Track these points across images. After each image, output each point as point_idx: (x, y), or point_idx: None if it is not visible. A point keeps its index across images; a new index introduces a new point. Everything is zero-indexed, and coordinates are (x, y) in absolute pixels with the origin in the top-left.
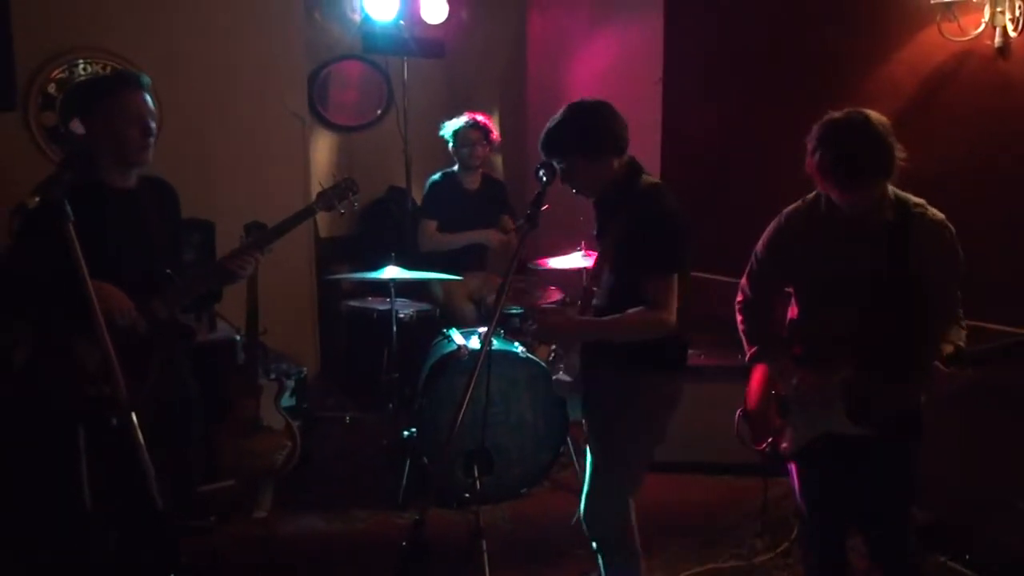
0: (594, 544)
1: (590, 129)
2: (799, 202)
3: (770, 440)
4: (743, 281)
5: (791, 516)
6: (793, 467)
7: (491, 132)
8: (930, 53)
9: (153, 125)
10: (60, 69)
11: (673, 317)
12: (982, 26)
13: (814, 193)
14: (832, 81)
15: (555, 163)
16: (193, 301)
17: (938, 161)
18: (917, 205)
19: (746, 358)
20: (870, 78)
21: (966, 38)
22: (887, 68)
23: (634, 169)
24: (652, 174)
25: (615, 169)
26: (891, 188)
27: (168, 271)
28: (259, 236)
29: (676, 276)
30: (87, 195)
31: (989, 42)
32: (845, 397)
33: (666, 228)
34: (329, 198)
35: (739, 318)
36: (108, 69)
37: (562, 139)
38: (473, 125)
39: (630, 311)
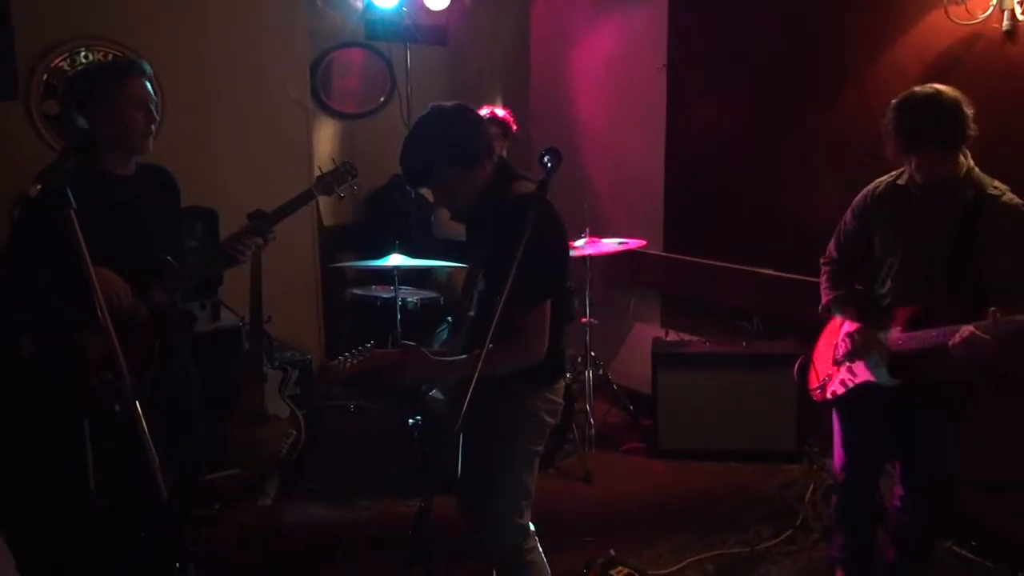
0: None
1: (463, 134)
2: (888, 175)
3: (822, 383)
4: (831, 244)
5: (796, 504)
6: (835, 415)
7: (511, 127)
8: (937, 37)
9: (156, 111)
10: (61, 58)
11: (543, 346)
12: (990, 9)
13: (901, 168)
14: (838, 65)
15: (426, 183)
16: (194, 287)
17: None
18: (995, 187)
19: (820, 308)
20: (877, 63)
21: (974, 21)
22: (894, 52)
23: (506, 174)
24: (529, 174)
25: (489, 174)
26: (976, 171)
27: (168, 257)
28: (259, 221)
29: (547, 303)
30: (87, 182)
31: (997, 25)
32: (889, 351)
33: (535, 257)
34: (328, 182)
35: (822, 273)
36: (109, 57)
37: (433, 150)
38: (492, 120)
39: (493, 348)
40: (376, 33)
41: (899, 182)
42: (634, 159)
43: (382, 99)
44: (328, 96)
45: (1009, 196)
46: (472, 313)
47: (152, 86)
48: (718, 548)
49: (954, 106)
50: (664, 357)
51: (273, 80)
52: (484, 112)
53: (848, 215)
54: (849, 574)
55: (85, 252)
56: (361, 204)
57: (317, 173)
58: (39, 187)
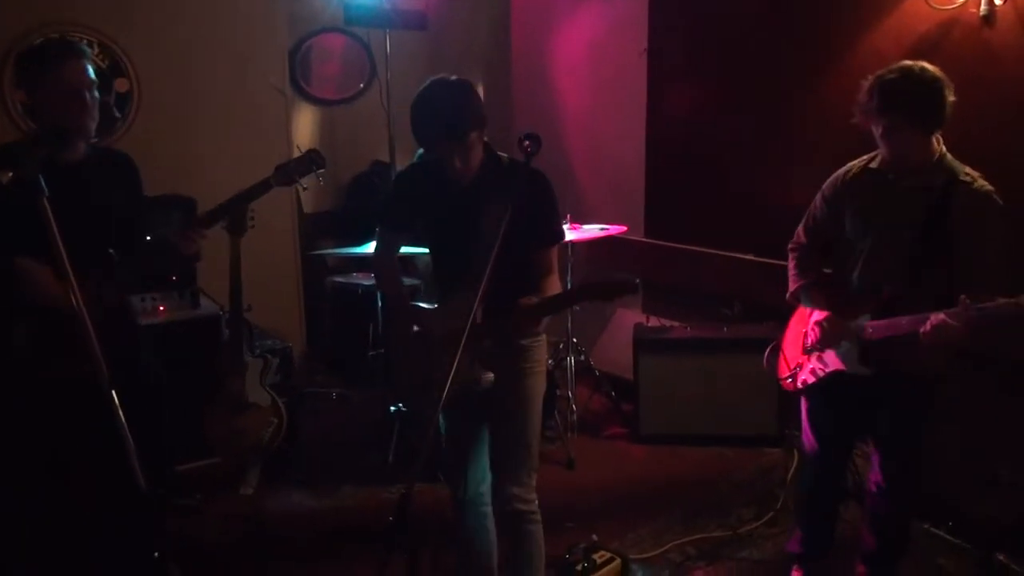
0: None
1: (477, 99)
2: (860, 159)
3: (792, 372)
4: (799, 228)
5: (777, 487)
6: (804, 403)
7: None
8: (916, 22)
9: (92, 95)
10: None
11: None
12: None
13: (875, 152)
14: (817, 50)
15: (461, 138)
16: (144, 279)
17: None
18: (967, 174)
19: (787, 295)
20: (855, 48)
21: (951, 7)
22: (872, 37)
23: (488, 146)
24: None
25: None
26: (948, 157)
27: (109, 251)
28: (208, 212)
29: None
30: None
31: (975, 10)
32: (859, 339)
33: (557, 203)
34: (288, 172)
35: (790, 259)
36: (84, 43)
37: (470, 112)
38: None
39: (554, 281)
40: (355, 18)
41: (871, 166)
42: (615, 144)
43: (362, 85)
44: (307, 82)
45: (980, 183)
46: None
47: (91, 68)
48: (700, 532)
49: (935, 80)
50: (645, 343)
51: (251, 66)
52: None
53: (818, 199)
54: (808, 574)
55: (59, 240)
56: (342, 191)
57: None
58: (11, 175)
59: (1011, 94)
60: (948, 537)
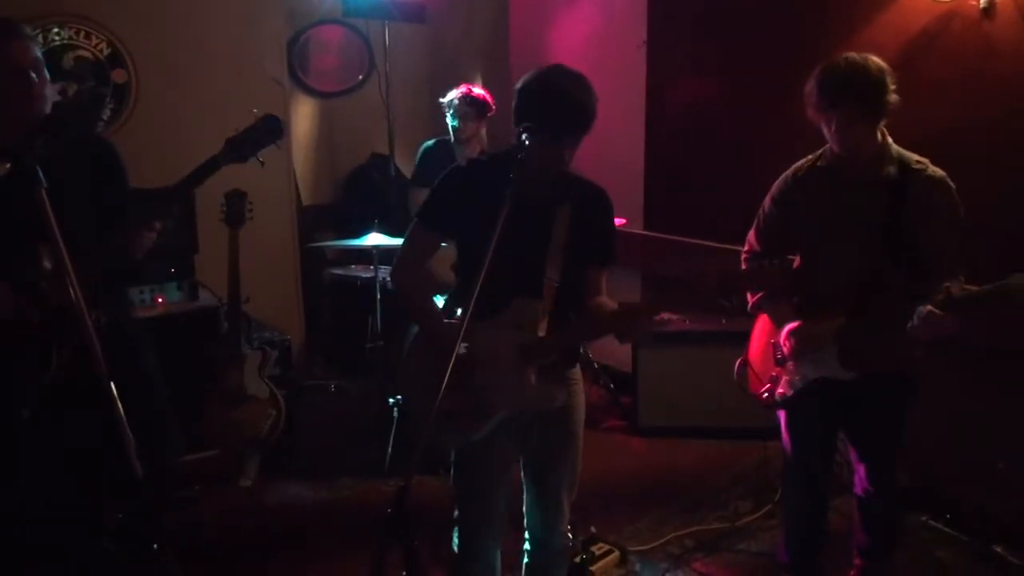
0: None
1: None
2: (806, 158)
3: (767, 387)
4: (751, 234)
5: (775, 480)
6: (783, 414)
7: (487, 107)
8: (914, 15)
9: (34, 75)
10: (33, 34)
11: None
12: None
13: (821, 150)
14: (816, 43)
15: (571, 141)
16: (108, 279)
17: (921, 123)
18: (918, 162)
19: (748, 307)
20: (854, 41)
21: None
22: (871, 30)
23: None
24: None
25: None
26: (895, 147)
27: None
28: (159, 201)
29: None
30: None
31: (975, 3)
32: (837, 343)
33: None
34: (239, 145)
35: (745, 268)
36: (81, 34)
37: (592, 110)
38: (466, 98)
39: (607, 301)
40: (354, 10)
41: (820, 163)
42: (614, 137)
43: (360, 77)
44: (306, 74)
45: (933, 169)
46: (557, 283)
47: (35, 48)
48: (698, 524)
49: (880, 71)
50: (646, 330)
51: (249, 58)
52: (460, 90)
53: (767, 202)
54: None
55: (57, 233)
56: (340, 183)
57: (300, 156)
58: (8, 166)
59: (1011, 87)
60: (946, 529)
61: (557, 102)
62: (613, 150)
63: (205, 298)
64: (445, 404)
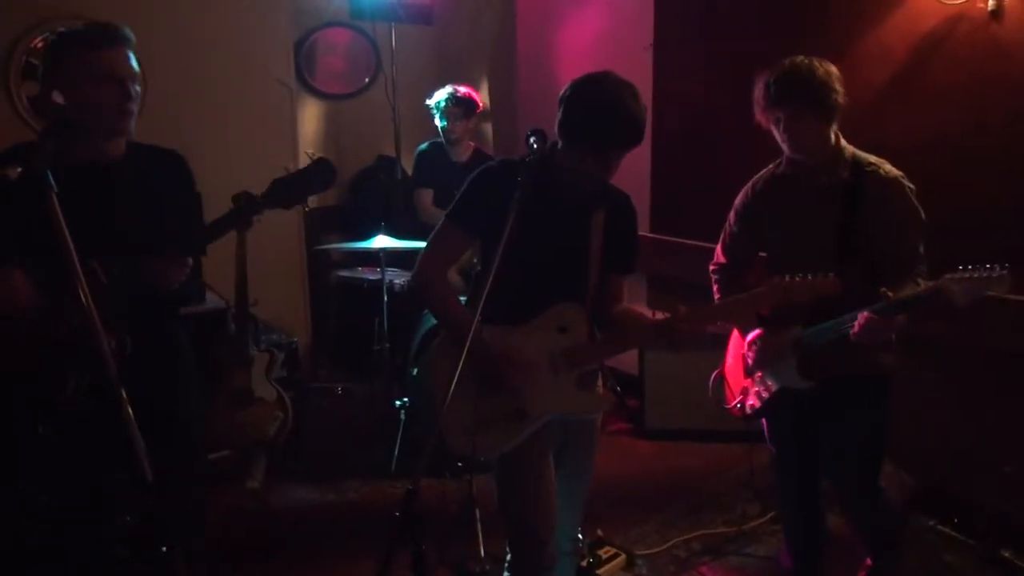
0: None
1: None
2: (765, 169)
3: (739, 399)
4: (717, 248)
5: None
6: (764, 423)
7: (474, 106)
8: (922, 17)
9: (135, 88)
10: (41, 38)
11: None
12: None
13: (778, 159)
14: (822, 45)
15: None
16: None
17: (928, 125)
18: (871, 164)
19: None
20: (862, 43)
21: (959, 1)
22: (879, 32)
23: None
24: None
25: None
26: (849, 148)
27: (95, 266)
28: (185, 241)
29: None
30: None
31: (983, 5)
32: (795, 352)
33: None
34: (287, 188)
35: (712, 283)
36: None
37: (643, 125)
38: (452, 98)
39: (626, 309)
40: (361, 12)
41: (777, 172)
42: None
43: (367, 80)
44: (312, 76)
45: (887, 168)
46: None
47: (134, 58)
48: (705, 527)
49: (824, 71)
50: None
51: (256, 60)
52: (445, 91)
53: (731, 215)
54: None
55: (68, 238)
56: (346, 186)
57: (305, 155)
58: (19, 170)
59: (1019, 90)
60: (953, 533)
61: (613, 115)
62: None
63: (212, 300)
64: (480, 412)
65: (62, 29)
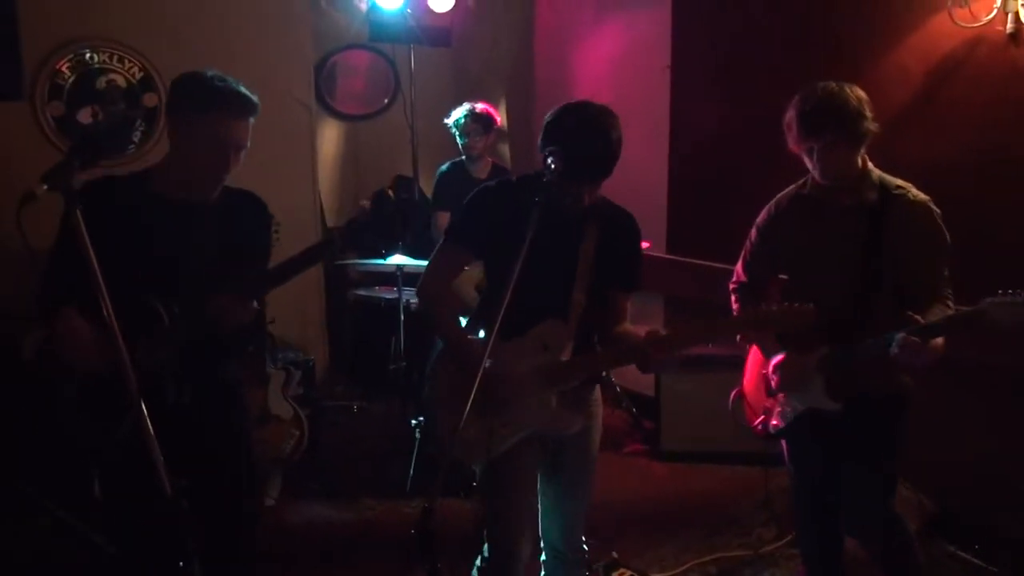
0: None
1: None
2: (789, 188)
3: (761, 419)
4: (738, 265)
5: None
6: (784, 445)
7: (493, 122)
8: (941, 39)
9: (241, 156)
10: (67, 59)
11: None
12: (994, 12)
13: (803, 179)
14: (841, 67)
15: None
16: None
17: (948, 148)
18: (898, 187)
19: (738, 339)
20: (880, 65)
21: (977, 24)
22: (897, 54)
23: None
24: None
25: None
26: (876, 172)
27: (159, 307)
28: (251, 281)
29: None
30: (139, 202)
31: (1001, 28)
32: (822, 373)
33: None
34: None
35: (732, 300)
36: (115, 58)
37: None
38: (471, 115)
39: (630, 328)
40: (380, 35)
41: (803, 192)
42: (638, 160)
43: (386, 101)
44: (332, 98)
45: (915, 192)
46: (581, 308)
47: (250, 124)
48: (721, 550)
49: (856, 99)
50: (667, 359)
51: (277, 82)
52: (463, 108)
53: (753, 233)
54: None
55: (92, 255)
56: (366, 206)
57: (325, 178)
58: (45, 187)
59: None
60: (974, 560)
61: (594, 143)
62: (637, 173)
63: None
64: (469, 421)
65: (211, 73)
